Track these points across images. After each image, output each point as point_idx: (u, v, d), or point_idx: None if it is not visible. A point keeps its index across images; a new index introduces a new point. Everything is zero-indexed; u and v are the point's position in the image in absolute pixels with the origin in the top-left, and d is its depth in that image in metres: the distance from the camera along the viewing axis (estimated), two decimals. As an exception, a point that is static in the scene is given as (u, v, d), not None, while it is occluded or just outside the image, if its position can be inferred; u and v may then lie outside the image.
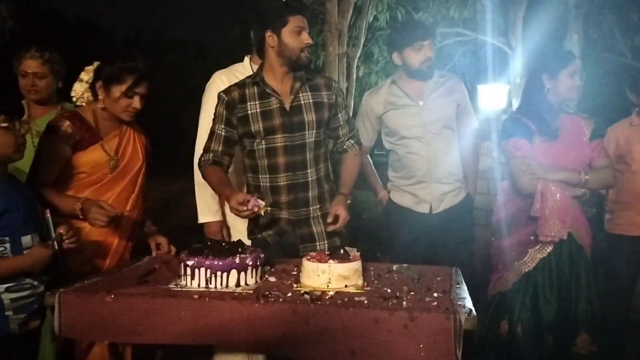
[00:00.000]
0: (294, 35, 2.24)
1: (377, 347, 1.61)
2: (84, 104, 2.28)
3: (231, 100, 2.30)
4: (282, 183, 2.30)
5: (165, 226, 2.62)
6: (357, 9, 5.85)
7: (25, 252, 1.82)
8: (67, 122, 2.17)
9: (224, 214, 2.66)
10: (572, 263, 2.41)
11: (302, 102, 2.32)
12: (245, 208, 2.06)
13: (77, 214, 2.09)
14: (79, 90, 2.28)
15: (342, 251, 1.94)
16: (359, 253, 1.98)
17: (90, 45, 16.28)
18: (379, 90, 2.91)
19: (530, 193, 2.42)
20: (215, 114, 2.35)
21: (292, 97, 2.31)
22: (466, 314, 1.60)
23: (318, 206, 2.36)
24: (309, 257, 1.92)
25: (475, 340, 2.49)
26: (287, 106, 2.30)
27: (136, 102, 2.22)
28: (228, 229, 2.66)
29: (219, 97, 2.33)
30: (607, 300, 2.53)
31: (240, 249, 1.92)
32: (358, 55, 5.70)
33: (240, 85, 2.34)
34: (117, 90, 2.18)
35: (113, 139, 2.29)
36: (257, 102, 2.29)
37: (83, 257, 2.15)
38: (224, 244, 1.96)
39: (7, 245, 1.79)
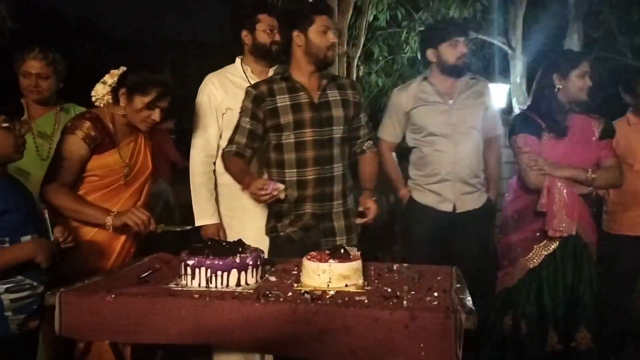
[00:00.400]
0: (320, 34, 2.31)
1: (377, 347, 1.60)
2: (102, 106, 2.26)
3: (259, 93, 2.37)
4: (309, 177, 2.35)
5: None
6: (357, 9, 5.85)
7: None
8: (89, 124, 2.17)
9: (220, 216, 2.65)
10: (577, 260, 2.44)
11: (330, 98, 2.40)
12: (264, 192, 2.15)
13: (104, 224, 2.10)
14: (101, 92, 2.25)
15: (342, 251, 1.94)
16: (359, 252, 1.98)
17: (90, 45, 16.27)
18: (409, 86, 2.95)
19: (537, 188, 2.45)
20: (241, 108, 2.41)
21: (319, 93, 2.39)
22: (467, 313, 1.60)
23: (341, 201, 2.42)
24: (309, 257, 1.92)
25: (481, 337, 2.51)
26: (316, 101, 2.37)
27: (156, 115, 2.21)
28: (224, 230, 2.65)
29: (246, 91, 2.41)
30: (607, 300, 2.53)
31: (240, 249, 1.92)
32: (358, 54, 5.71)
33: (268, 80, 2.42)
34: (140, 100, 2.17)
35: (128, 145, 2.29)
36: (286, 96, 2.36)
37: (87, 261, 2.15)
38: (224, 243, 1.96)
39: (7, 245, 1.78)
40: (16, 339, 1.82)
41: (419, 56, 7.09)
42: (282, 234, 2.39)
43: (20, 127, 1.83)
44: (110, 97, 2.24)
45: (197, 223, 2.59)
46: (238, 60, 2.69)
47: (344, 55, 5.31)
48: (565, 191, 2.40)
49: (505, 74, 6.74)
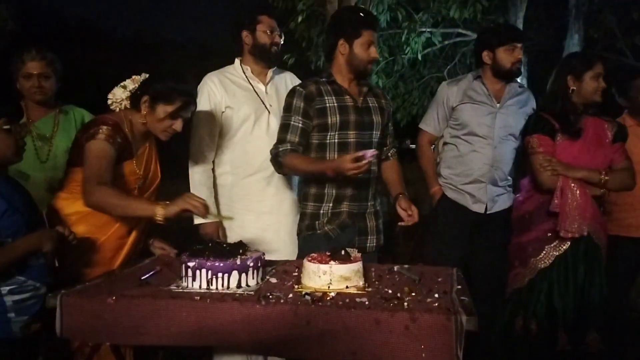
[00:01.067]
0: (364, 47, 2.39)
1: (378, 348, 1.61)
2: (118, 110, 2.20)
3: (309, 93, 2.42)
4: (350, 177, 2.35)
5: (163, 227, 2.61)
6: (357, 10, 5.84)
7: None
8: (108, 128, 2.08)
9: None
10: (588, 261, 2.46)
11: (370, 104, 2.50)
12: (363, 162, 2.12)
13: (153, 215, 1.98)
14: (120, 96, 2.19)
15: (343, 252, 1.94)
16: (359, 254, 1.98)
17: (91, 46, 16.29)
18: (460, 82, 2.98)
19: (549, 189, 2.48)
20: (290, 107, 2.43)
21: (362, 98, 2.48)
22: (467, 315, 1.60)
23: (373, 202, 2.53)
24: (309, 258, 1.92)
25: (492, 338, 2.53)
26: (360, 105, 2.47)
27: (178, 125, 2.17)
28: (224, 229, 2.65)
29: (295, 90, 2.45)
30: (608, 301, 2.54)
31: (241, 250, 1.92)
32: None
33: (315, 81, 2.48)
34: (163, 110, 2.13)
35: (142, 155, 2.24)
36: (333, 97, 2.43)
37: (93, 264, 2.12)
38: (224, 245, 1.96)
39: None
40: (18, 342, 1.81)
41: (419, 57, 7.12)
42: (319, 231, 2.44)
43: (20, 130, 1.83)
44: (128, 102, 2.19)
45: (196, 222, 2.59)
46: (237, 60, 2.71)
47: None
48: (578, 192, 2.43)
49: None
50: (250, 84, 2.65)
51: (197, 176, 2.61)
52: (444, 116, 2.96)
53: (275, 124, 2.59)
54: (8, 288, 1.77)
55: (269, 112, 2.64)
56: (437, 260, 2.58)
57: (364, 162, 2.13)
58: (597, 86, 2.48)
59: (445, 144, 2.98)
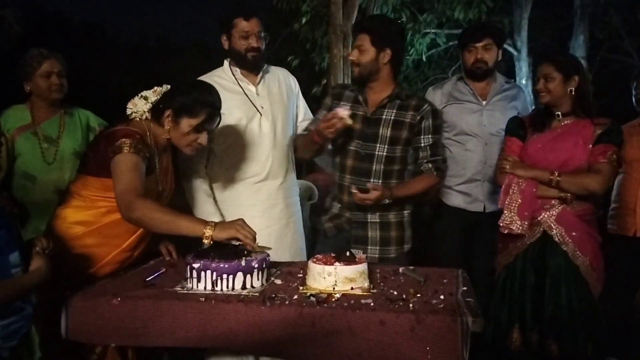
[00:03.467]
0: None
1: (383, 350, 1.60)
2: (138, 120, 2.11)
3: (335, 94, 2.61)
4: (345, 184, 2.50)
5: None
6: (362, 11, 5.84)
7: (14, 270, 1.62)
8: (140, 142, 1.99)
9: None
10: (544, 266, 2.40)
11: (383, 117, 2.46)
12: (329, 122, 2.26)
13: (202, 235, 1.86)
14: (141, 107, 2.10)
15: (347, 253, 1.93)
16: (364, 255, 1.97)
17: (95, 49, 16.35)
18: (444, 85, 3.05)
19: (500, 186, 2.50)
20: (322, 102, 2.63)
21: (375, 109, 2.47)
22: (473, 316, 1.59)
23: (378, 214, 2.48)
24: (314, 260, 1.92)
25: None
26: (369, 116, 2.48)
27: (203, 139, 2.09)
28: None
29: (333, 88, 2.64)
30: (609, 301, 2.51)
31: (246, 252, 1.92)
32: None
33: (344, 86, 2.63)
34: (187, 123, 2.05)
35: (162, 167, 2.16)
36: (349, 105, 2.49)
37: (94, 276, 2.04)
38: (229, 246, 1.95)
39: None
40: None
41: (423, 58, 7.12)
42: (318, 226, 2.57)
43: (4, 138, 1.73)
44: (149, 114, 2.11)
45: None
46: (226, 62, 2.63)
47: (348, 57, 5.30)
48: (524, 191, 2.41)
49: (510, 75, 6.72)
50: (240, 86, 2.57)
51: (201, 186, 2.54)
52: None
53: (267, 126, 2.57)
54: None
55: (260, 114, 2.57)
56: (439, 264, 2.53)
57: (328, 123, 2.26)
58: (541, 87, 2.45)
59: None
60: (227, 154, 2.56)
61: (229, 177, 2.58)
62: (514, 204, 2.42)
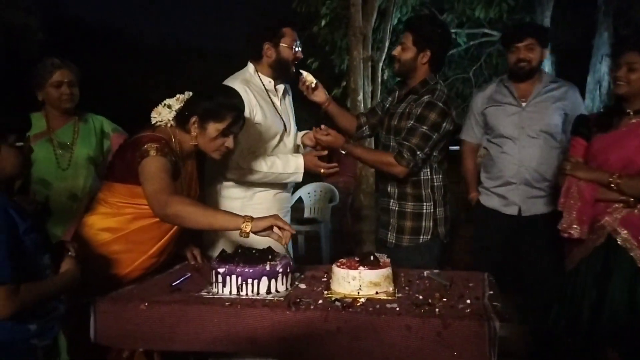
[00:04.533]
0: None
1: (410, 355, 1.59)
2: (162, 126, 2.10)
3: (388, 92, 2.83)
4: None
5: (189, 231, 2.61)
6: (381, 13, 5.82)
7: (47, 272, 1.66)
8: (166, 146, 2.00)
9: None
10: (608, 271, 2.29)
11: (399, 110, 2.57)
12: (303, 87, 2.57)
13: (240, 228, 1.87)
14: (165, 116, 2.10)
15: (372, 257, 1.93)
16: (388, 259, 1.97)
17: (117, 54, 16.56)
18: (487, 87, 3.06)
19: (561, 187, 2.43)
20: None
21: (396, 102, 2.63)
22: (500, 321, 1.58)
23: (398, 202, 2.57)
24: (338, 264, 1.92)
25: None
26: (391, 109, 2.64)
27: (230, 142, 2.10)
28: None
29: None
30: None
31: (270, 256, 1.93)
32: (383, 58, 5.67)
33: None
34: (214, 128, 2.05)
35: (186, 173, 2.16)
36: (389, 98, 2.73)
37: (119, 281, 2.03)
38: (254, 251, 1.96)
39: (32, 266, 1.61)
40: None
41: (444, 58, 7.05)
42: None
43: (29, 147, 1.73)
44: (174, 121, 2.10)
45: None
46: (252, 67, 2.55)
47: (368, 59, 5.29)
48: (583, 194, 2.31)
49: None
50: (271, 99, 2.54)
51: (225, 194, 2.51)
52: (476, 122, 3.04)
53: (290, 142, 2.58)
54: (31, 312, 1.61)
55: (285, 129, 2.57)
56: (474, 265, 2.65)
57: (302, 86, 2.56)
58: (621, 76, 2.28)
59: (485, 149, 3.02)
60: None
61: (250, 187, 2.53)
62: (573, 207, 2.34)
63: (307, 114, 3.97)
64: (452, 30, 6.71)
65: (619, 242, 2.26)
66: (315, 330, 1.66)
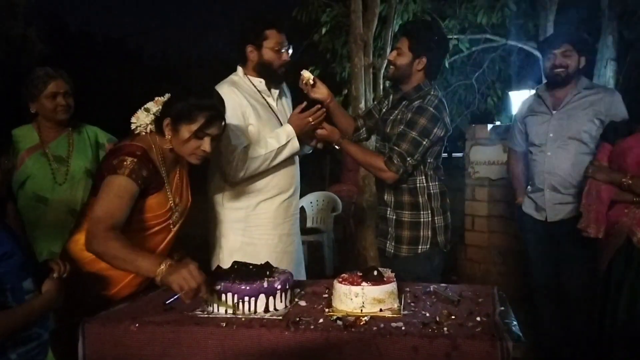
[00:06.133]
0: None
1: (417, 378, 1.49)
2: (143, 134, 2.02)
3: (384, 94, 2.78)
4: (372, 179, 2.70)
5: (190, 244, 2.54)
6: (382, 19, 5.75)
7: (27, 297, 1.58)
8: (132, 159, 1.89)
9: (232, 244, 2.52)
10: (628, 272, 2.35)
11: (391, 117, 2.52)
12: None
13: (154, 275, 1.72)
14: (144, 120, 2.02)
15: (375, 272, 1.83)
16: (393, 274, 1.87)
17: (119, 64, 16.59)
18: (529, 97, 3.14)
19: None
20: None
21: (390, 108, 2.57)
22: (513, 341, 1.48)
23: (395, 211, 2.51)
24: (340, 279, 1.82)
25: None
26: (385, 116, 2.58)
27: (206, 145, 1.96)
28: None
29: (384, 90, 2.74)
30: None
31: (268, 272, 1.83)
32: (384, 65, 5.59)
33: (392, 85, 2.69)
34: (187, 130, 1.94)
35: (173, 180, 2.07)
36: (385, 101, 2.67)
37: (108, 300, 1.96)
38: (251, 266, 1.87)
39: (8, 293, 1.54)
40: None
41: (446, 64, 6.98)
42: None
43: (6, 163, 1.66)
44: (153, 126, 2.03)
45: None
46: (241, 70, 2.51)
47: (369, 66, 5.21)
48: (601, 195, 2.42)
49: (537, 79, 6.54)
50: (266, 100, 2.50)
51: (228, 204, 2.47)
52: (519, 131, 3.10)
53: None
54: (12, 340, 1.55)
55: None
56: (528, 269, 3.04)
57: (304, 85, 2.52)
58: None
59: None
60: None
61: (255, 196, 2.47)
62: (591, 207, 2.44)
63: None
64: (454, 37, 6.65)
65: (634, 243, 2.34)
66: (316, 352, 1.56)
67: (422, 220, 2.47)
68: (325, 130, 2.47)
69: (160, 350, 1.63)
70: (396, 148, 2.37)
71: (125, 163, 1.87)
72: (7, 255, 1.50)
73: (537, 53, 6.48)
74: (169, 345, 1.63)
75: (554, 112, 2.87)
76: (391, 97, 2.61)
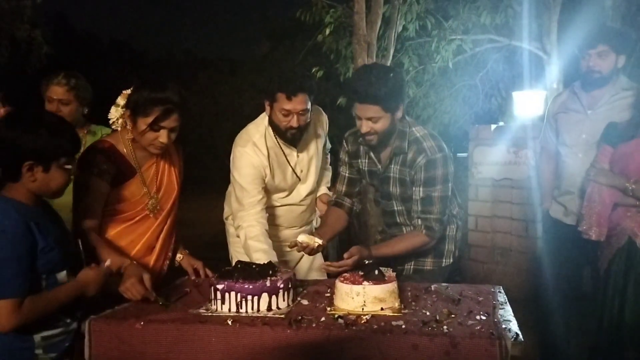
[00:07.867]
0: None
1: (417, 376, 1.51)
2: (119, 129, 2.12)
3: (351, 155, 2.47)
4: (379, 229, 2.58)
5: (192, 244, 2.58)
6: (386, 20, 5.77)
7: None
8: (101, 157, 2.02)
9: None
10: (629, 273, 2.35)
11: (391, 175, 2.34)
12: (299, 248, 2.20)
13: (119, 272, 1.89)
14: (115, 115, 2.10)
15: (376, 272, 1.85)
16: (394, 273, 1.89)
17: (124, 66, 16.69)
18: (563, 92, 3.00)
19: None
20: (340, 158, 2.54)
21: (385, 164, 2.34)
22: (512, 339, 1.50)
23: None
24: (342, 279, 1.85)
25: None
26: (380, 174, 2.38)
27: (163, 137, 2.01)
28: None
29: (346, 142, 2.49)
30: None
31: (271, 272, 1.86)
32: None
33: (356, 138, 2.40)
34: (143, 122, 1.99)
35: (149, 169, 2.14)
36: (366, 161, 2.43)
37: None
38: (254, 266, 1.89)
39: (44, 282, 1.65)
40: None
41: (450, 65, 6.99)
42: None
43: (73, 169, 1.75)
44: (123, 120, 2.09)
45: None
46: (266, 119, 2.45)
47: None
48: (603, 199, 2.40)
49: (541, 80, 6.53)
50: (283, 151, 2.49)
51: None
52: (550, 128, 2.96)
53: (304, 191, 2.60)
54: (37, 323, 1.64)
55: (299, 179, 2.57)
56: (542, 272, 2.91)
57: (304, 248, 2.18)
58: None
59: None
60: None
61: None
62: (593, 211, 2.41)
63: (338, 129, 3.74)
64: (458, 37, 6.66)
65: (637, 245, 2.34)
66: (318, 350, 1.58)
67: (447, 233, 2.39)
68: (350, 261, 2.13)
69: (164, 348, 1.66)
70: (429, 215, 2.23)
71: (91, 159, 2.02)
72: (46, 249, 1.62)
73: (540, 53, 6.49)
74: (173, 343, 1.66)
75: (588, 112, 2.74)
76: (372, 154, 2.38)
